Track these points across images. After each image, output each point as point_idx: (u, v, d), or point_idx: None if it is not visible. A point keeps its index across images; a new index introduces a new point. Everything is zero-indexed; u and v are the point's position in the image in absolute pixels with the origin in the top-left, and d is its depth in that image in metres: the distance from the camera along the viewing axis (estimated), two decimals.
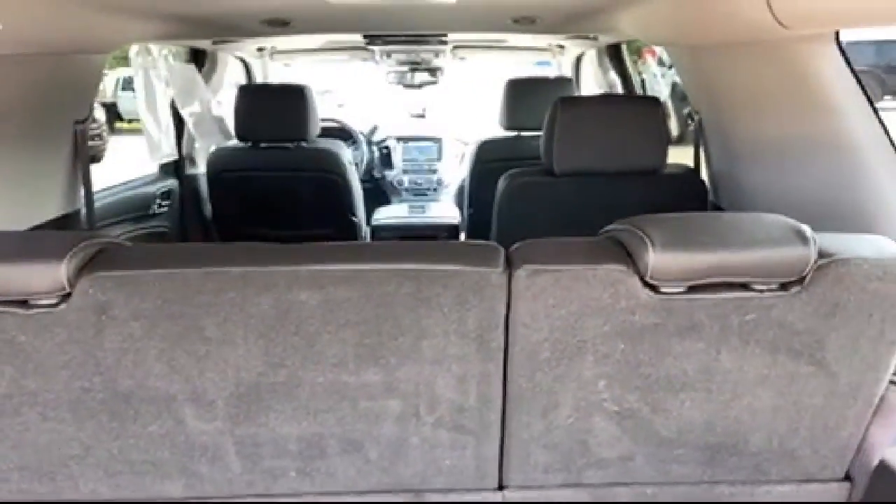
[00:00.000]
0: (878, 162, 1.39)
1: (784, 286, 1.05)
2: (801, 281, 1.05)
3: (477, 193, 3.05)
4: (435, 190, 3.99)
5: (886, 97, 8.56)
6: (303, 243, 1.09)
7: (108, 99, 11.72)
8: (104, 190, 2.44)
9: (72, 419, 1.09)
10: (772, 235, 1.04)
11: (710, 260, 1.03)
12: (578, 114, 1.92)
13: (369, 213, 3.44)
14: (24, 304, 1.00)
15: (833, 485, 1.24)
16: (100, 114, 10.57)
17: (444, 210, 3.68)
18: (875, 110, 1.41)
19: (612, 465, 1.20)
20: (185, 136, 2.98)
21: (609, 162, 1.92)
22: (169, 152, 2.55)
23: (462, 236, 3.42)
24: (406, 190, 3.99)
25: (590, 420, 1.15)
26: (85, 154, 1.96)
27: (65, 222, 1.90)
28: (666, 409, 1.15)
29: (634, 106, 2.05)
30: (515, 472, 1.21)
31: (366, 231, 3.32)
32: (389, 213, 3.59)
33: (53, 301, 1.00)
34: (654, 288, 1.05)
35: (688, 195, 2.03)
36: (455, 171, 4.03)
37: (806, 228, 1.05)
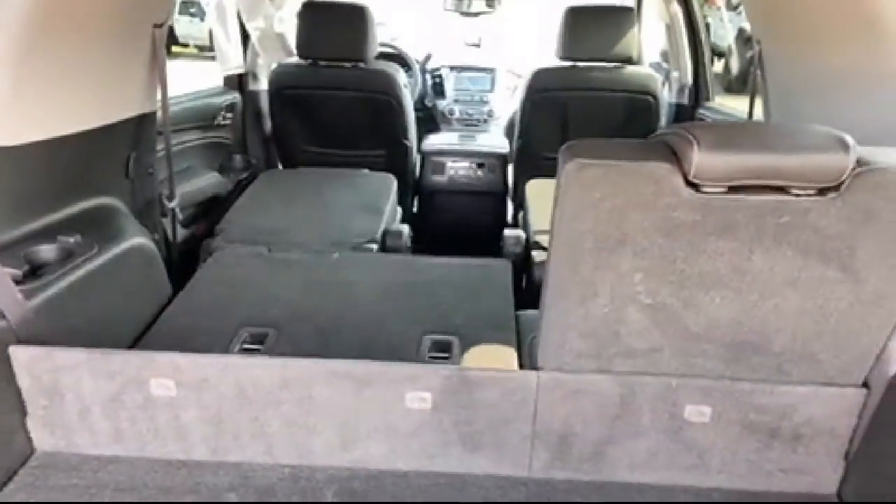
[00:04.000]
0: None
1: (821, 191, 1.11)
2: (837, 187, 1.10)
3: (528, 122, 3.08)
4: (485, 121, 4.03)
5: None
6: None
7: None
8: (175, 97, 2.58)
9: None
10: (813, 142, 1.09)
11: (750, 162, 1.09)
12: None
13: (419, 141, 3.51)
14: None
15: (850, 390, 1.31)
16: None
17: (494, 139, 3.73)
18: None
19: (641, 356, 1.30)
20: (249, 52, 3.08)
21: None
22: (237, 64, 2.66)
23: (510, 167, 3.48)
24: (456, 120, 4.04)
25: (624, 311, 1.25)
26: (162, 57, 2.08)
27: (142, 121, 2.04)
28: (696, 305, 1.23)
29: None
30: (551, 355, 1.33)
31: (416, 157, 3.40)
32: (439, 140, 3.66)
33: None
34: (696, 187, 1.12)
35: None
36: (506, 103, 4.04)
37: (848, 137, 1.09)
